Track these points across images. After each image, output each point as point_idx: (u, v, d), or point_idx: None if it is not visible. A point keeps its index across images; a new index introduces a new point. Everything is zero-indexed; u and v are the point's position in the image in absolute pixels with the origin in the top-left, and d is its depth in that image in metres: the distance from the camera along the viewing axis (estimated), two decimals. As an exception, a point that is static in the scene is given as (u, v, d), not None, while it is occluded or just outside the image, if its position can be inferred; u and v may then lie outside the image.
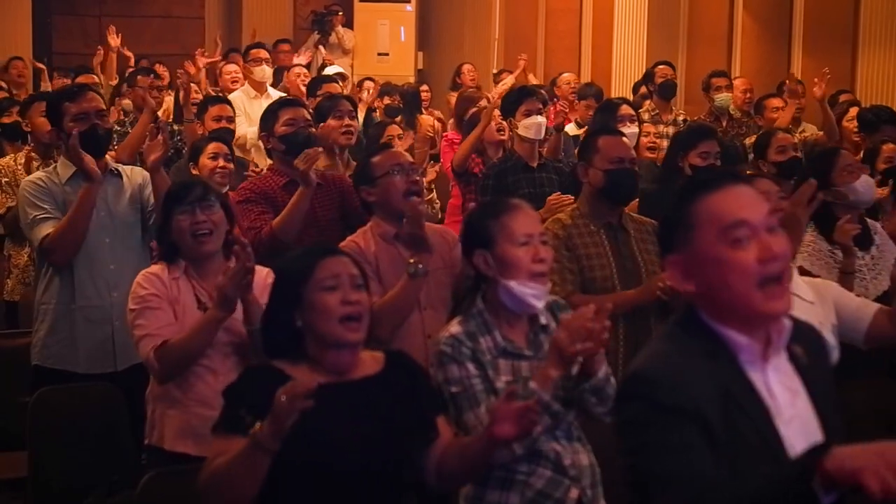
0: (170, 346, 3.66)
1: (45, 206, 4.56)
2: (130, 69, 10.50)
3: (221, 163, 5.58)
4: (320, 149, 4.80)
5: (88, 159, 4.47)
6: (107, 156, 4.89)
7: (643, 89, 9.38)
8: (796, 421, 2.16)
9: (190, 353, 3.67)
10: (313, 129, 5.17)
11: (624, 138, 4.66)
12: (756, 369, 2.17)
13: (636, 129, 6.30)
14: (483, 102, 7.57)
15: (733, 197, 2.16)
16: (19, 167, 6.25)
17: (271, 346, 2.97)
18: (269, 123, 5.09)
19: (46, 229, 4.52)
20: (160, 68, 10.84)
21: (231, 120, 6.75)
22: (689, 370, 2.12)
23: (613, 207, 4.43)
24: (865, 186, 4.90)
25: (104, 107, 4.77)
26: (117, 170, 4.76)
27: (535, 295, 3.18)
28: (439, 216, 6.54)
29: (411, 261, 3.90)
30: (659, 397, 2.09)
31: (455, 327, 3.20)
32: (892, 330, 3.74)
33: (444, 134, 8.16)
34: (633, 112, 6.37)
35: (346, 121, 5.67)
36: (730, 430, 2.08)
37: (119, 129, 7.51)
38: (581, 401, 3.16)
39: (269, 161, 7.66)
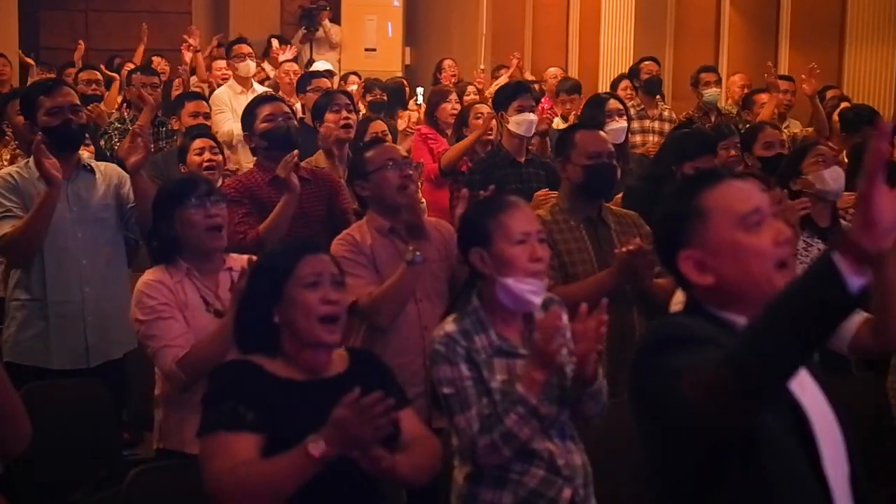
0: (193, 356, 3.58)
1: (8, 204, 4.51)
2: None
3: (208, 156, 5.57)
4: (296, 152, 4.74)
5: (51, 163, 4.38)
6: (80, 151, 4.87)
7: (624, 82, 9.39)
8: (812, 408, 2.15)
9: (212, 361, 3.52)
10: (294, 122, 5.15)
11: (601, 132, 4.66)
12: None
13: (625, 124, 6.30)
14: (453, 96, 7.56)
15: (737, 188, 2.20)
16: (5, 163, 6.22)
17: (245, 340, 2.97)
18: (249, 122, 5.07)
19: (5, 227, 4.47)
20: (161, 61, 10.85)
21: (207, 116, 6.74)
22: (711, 333, 2.13)
23: (593, 202, 4.43)
24: (833, 176, 4.92)
25: (78, 102, 4.73)
26: (90, 165, 4.74)
27: (533, 291, 3.16)
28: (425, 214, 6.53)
29: (409, 248, 3.91)
30: (696, 334, 2.10)
31: (450, 325, 3.18)
32: (873, 341, 3.71)
33: (417, 128, 8.13)
34: (621, 106, 6.37)
35: (344, 114, 5.67)
36: None
37: (119, 126, 7.48)
38: (577, 403, 3.16)
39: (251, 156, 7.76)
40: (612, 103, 6.35)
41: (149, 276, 3.79)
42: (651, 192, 5.18)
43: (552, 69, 10.65)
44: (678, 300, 3.43)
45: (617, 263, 4.13)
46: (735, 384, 1.89)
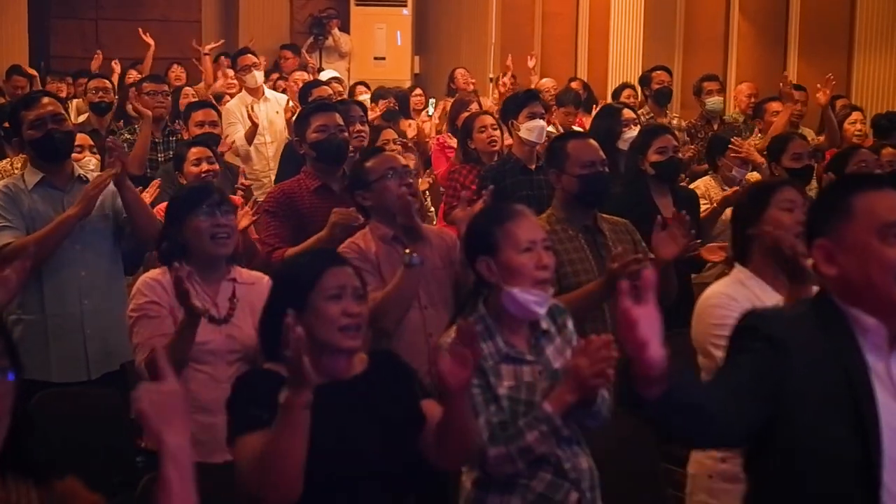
0: (158, 356, 3.62)
1: (8, 216, 4.50)
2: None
3: (205, 167, 5.56)
4: (359, 216, 4.55)
5: (93, 196, 4.41)
6: (74, 163, 4.86)
7: (627, 91, 9.41)
8: None
9: (178, 361, 3.57)
10: (345, 134, 5.18)
11: (592, 140, 4.67)
12: (880, 356, 2.31)
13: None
14: (475, 106, 7.56)
15: (890, 198, 2.32)
16: (15, 171, 6.23)
17: (269, 348, 3.00)
18: (301, 129, 5.11)
19: (7, 237, 4.45)
20: (178, 70, 10.88)
21: (215, 124, 6.73)
22: (807, 329, 2.32)
23: (588, 210, 4.45)
24: None
25: (62, 111, 4.72)
26: (85, 177, 4.73)
27: (537, 302, 3.18)
28: (433, 222, 6.52)
29: (406, 251, 3.92)
30: (760, 326, 2.32)
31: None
32: None
33: (437, 137, 8.12)
34: (635, 116, 6.38)
35: (358, 126, 5.72)
36: (818, 393, 2.26)
37: (129, 137, 7.50)
38: (577, 416, 3.17)
39: (266, 165, 7.79)
40: (627, 113, 6.36)
41: (149, 274, 3.87)
42: (632, 197, 5.22)
43: (545, 80, 10.63)
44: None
45: (608, 275, 4.11)
46: None
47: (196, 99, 8.50)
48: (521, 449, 3.05)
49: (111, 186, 4.68)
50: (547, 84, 10.31)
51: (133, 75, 10.32)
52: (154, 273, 3.87)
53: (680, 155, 5.49)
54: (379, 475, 2.82)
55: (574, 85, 10.36)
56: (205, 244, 3.81)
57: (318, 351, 2.90)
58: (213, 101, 8.08)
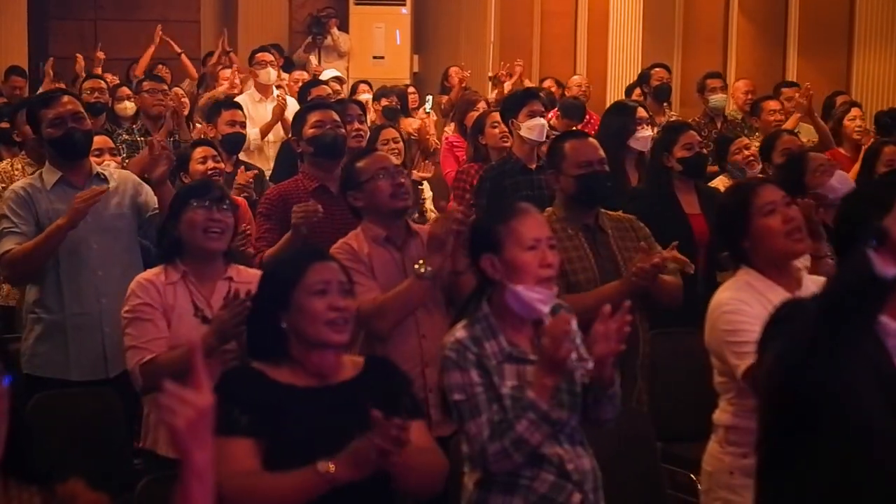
0: (157, 364, 3.63)
1: (16, 220, 4.50)
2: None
3: (211, 164, 5.56)
4: (319, 207, 4.61)
5: (83, 210, 4.37)
6: (92, 160, 4.86)
7: (637, 91, 9.39)
8: None
9: (176, 373, 3.55)
10: (342, 131, 5.17)
11: (590, 139, 4.66)
12: None
13: (652, 132, 6.27)
14: (482, 105, 7.55)
15: None
16: (16, 172, 6.22)
17: (255, 347, 3.01)
18: (298, 126, 5.13)
19: (9, 244, 4.46)
20: (163, 70, 10.86)
21: (244, 125, 6.73)
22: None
23: (589, 210, 4.43)
24: (842, 182, 4.93)
25: (81, 109, 4.72)
26: (103, 174, 4.72)
27: (541, 300, 3.17)
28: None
29: (420, 262, 3.90)
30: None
31: (460, 332, 3.19)
32: None
33: (445, 137, 8.12)
34: (647, 115, 6.37)
35: (356, 125, 5.73)
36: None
37: (128, 137, 7.47)
38: (596, 408, 3.17)
39: (268, 163, 7.78)
40: (641, 111, 6.31)
41: (143, 275, 3.88)
42: (655, 195, 5.21)
43: (576, 77, 10.61)
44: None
45: (630, 281, 4.11)
46: None
47: (186, 98, 8.49)
48: (514, 441, 3.04)
49: (130, 186, 4.70)
50: (578, 80, 10.30)
51: (109, 77, 10.27)
52: (149, 274, 3.86)
53: (705, 151, 5.52)
54: (356, 482, 2.80)
55: (546, 84, 10.36)
56: (197, 237, 3.80)
57: (307, 348, 2.91)
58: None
